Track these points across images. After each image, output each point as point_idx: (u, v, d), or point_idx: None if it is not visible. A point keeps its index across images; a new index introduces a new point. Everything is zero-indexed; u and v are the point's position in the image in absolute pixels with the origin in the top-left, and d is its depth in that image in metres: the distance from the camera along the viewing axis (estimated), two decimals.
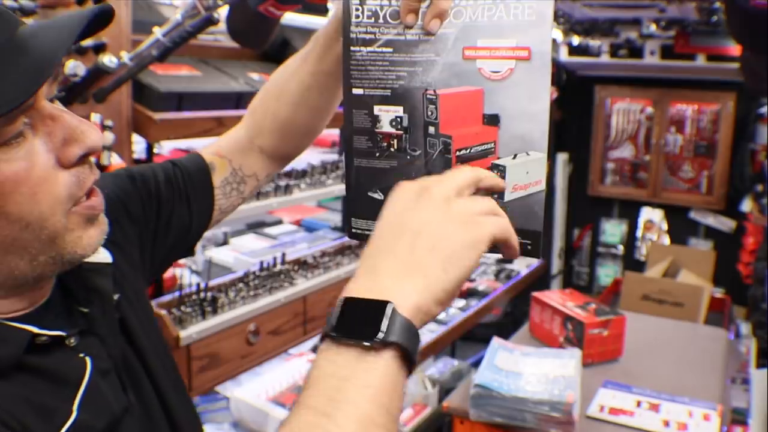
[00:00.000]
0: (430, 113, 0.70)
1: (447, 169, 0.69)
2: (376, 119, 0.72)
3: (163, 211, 0.87)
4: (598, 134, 4.81)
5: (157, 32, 1.38)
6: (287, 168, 2.01)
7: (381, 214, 0.61)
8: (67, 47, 0.56)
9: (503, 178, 0.68)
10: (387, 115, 0.71)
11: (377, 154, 0.73)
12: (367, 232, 0.74)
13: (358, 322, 0.51)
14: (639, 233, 4.87)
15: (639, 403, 1.79)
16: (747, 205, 4.30)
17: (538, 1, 0.64)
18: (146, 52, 1.40)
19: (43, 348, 0.61)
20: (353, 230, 0.78)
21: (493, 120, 0.68)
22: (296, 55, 0.88)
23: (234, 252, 2.29)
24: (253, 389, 2.21)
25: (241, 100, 1.85)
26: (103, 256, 0.72)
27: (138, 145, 1.77)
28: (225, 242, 2.36)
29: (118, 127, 1.51)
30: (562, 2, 3.22)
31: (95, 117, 1.44)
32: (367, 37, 0.70)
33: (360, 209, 0.77)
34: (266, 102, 0.93)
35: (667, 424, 1.69)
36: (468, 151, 0.70)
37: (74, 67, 1.31)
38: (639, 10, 3.47)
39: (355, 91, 0.72)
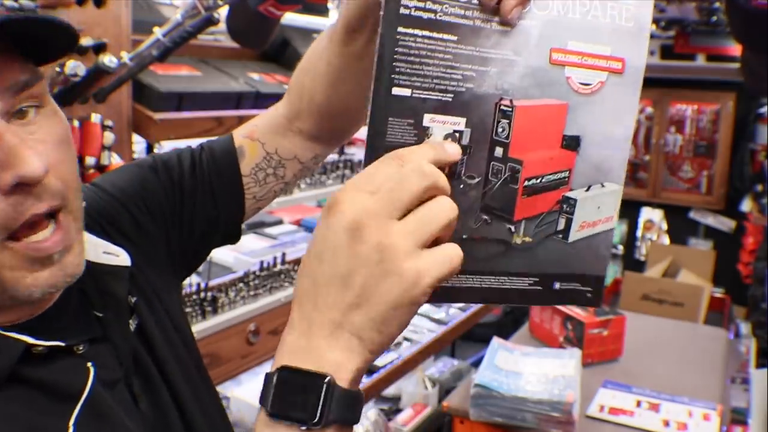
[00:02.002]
0: (501, 130, 0.54)
1: (509, 203, 0.56)
2: (424, 132, 0.52)
3: (187, 200, 0.80)
4: None
5: (157, 32, 1.38)
6: None
7: (317, 233, 0.49)
8: None
9: (571, 214, 0.57)
10: (442, 128, 0.53)
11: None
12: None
13: (294, 403, 0.47)
14: (639, 233, 4.88)
15: (639, 403, 1.79)
16: (747, 205, 4.30)
17: (637, 4, 0.53)
18: (146, 52, 1.40)
19: (43, 358, 0.58)
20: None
21: (573, 143, 0.56)
22: (325, 30, 0.74)
23: (234, 252, 2.29)
24: (253, 389, 2.21)
25: (241, 100, 1.85)
26: (122, 258, 0.69)
27: (138, 145, 1.77)
28: None
29: (118, 127, 1.51)
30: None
31: (95, 117, 1.44)
32: (425, 15, 0.50)
33: None
34: (300, 81, 0.79)
35: (666, 423, 1.69)
36: (539, 181, 0.56)
37: (74, 67, 1.31)
38: None
39: (398, 91, 0.51)
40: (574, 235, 0.58)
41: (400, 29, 0.50)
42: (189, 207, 0.80)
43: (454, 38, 0.51)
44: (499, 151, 0.55)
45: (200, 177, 0.81)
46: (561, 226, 0.57)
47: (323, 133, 0.82)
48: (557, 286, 0.59)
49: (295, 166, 0.85)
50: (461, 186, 0.54)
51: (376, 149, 0.51)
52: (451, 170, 0.53)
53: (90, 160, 1.42)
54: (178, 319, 0.78)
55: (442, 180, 0.48)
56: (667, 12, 3.37)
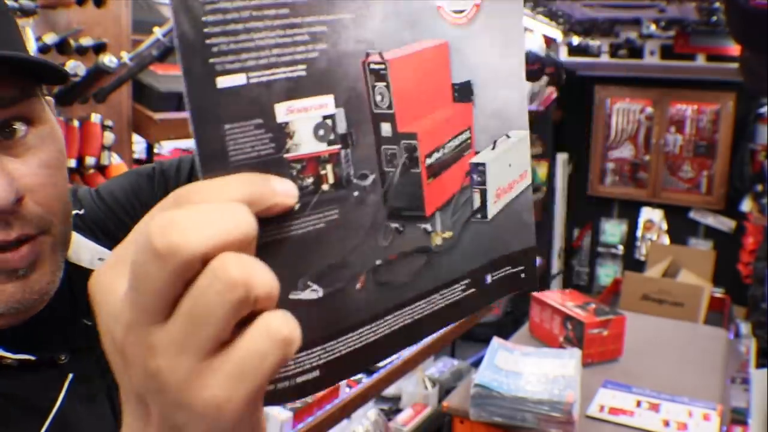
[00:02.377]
0: (379, 98, 0.39)
1: (416, 195, 0.41)
2: (282, 133, 0.35)
3: None
4: (598, 134, 4.81)
5: (157, 32, 1.38)
6: None
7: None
8: None
9: (484, 184, 0.44)
10: (305, 119, 0.36)
11: (296, 208, 0.35)
12: (291, 383, 0.37)
13: None
14: (639, 233, 4.88)
15: (639, 403, 1.79)
16: (747, 205, 4.31)
17: None
18: (146, 52, 1.40)
19: (19, 370, 0.56)
20: (267, 388, 0.38)
21: (465, 92, 0.43)
22: None
23: None
24: None
25: None
26: None
27: (138, 145, 1.77)
28: None
29: (118, 127, 1.51)
30: (562, 2, 3.22)
31: (95, 117, 1.44)
32: None
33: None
34: None
35: (666, 423, 1.69)
36: (441, 153, 0.43)
37: (74, 67, 1.31)
38: (639, 10, 3.47)
39: (227, 81, 0.33)
40: (493, 208, 0.45)
41: None
42: None
43: None
44: (386, 128, 0.40)
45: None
46: (477, 203, 0.44)
47: None
48: (489, 279, 0.46)
49: None
50: (355, 194, 0.38)
51: (213, 174, 0.33)
52: (336, 177, 0.37)
53: (90, 160, 1.42)
54: None
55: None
56: (667, 12, 3.37)
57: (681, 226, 4.72)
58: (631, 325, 2.15)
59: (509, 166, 0.46)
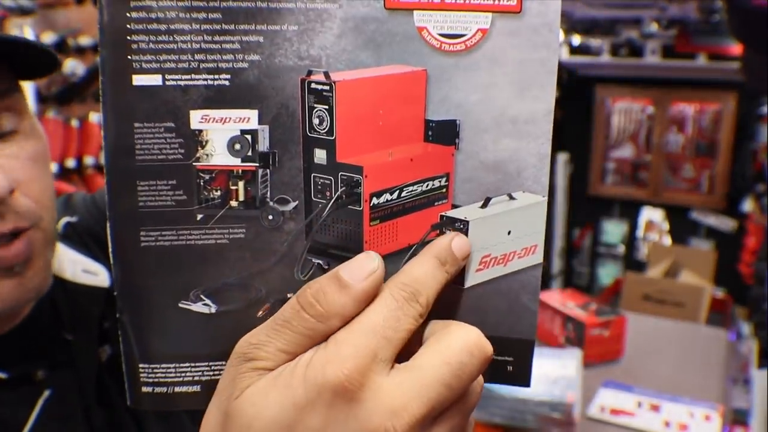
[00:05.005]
0: (317, 121, 0.36)
1: (354, 236, 0.37)
2: (194, 141, 0.35)
3: None
4: (599, 134, 4.80)
5: None
6: None
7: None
8: None
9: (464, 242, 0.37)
10: (221, 130, 0.35)
11: (198, 217, 0.35)
12: (169, 390, 0.37)
13: None
14: (640, 233, 4.87)
15: (640, 404, 1.79)
16: (748, 205, 4.30)
17: None
18: None
19: None
20: (143, 389, 0.37)
21: (445, 132, 0.37)
22: None
23: None
24: None
25: None
26: (101, 278, 0.65)
27: None
28: None
29: None
30: (563, 1, 3.22)
31: (94, 117, 1.44)
32: None
33: (155, 341, 0.37)
34: None
35: (667, 424, 1.69)
36: (394, 195, 0.37)
37: (73, 66, 1.31)
38: (640, 10, 3.47)
39: (142, 80, 0.34)
40: (473, 277, 0.38)
41: None
42: None
43: None
44: (321, 155, 0.36)
45: None
46: None
47: None
48: None
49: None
50: (270, 217, 0.36)
51: (122, 174, 0.34)
52: (246, 195, 0.36)
53: (89, 160, 1.42)
54: None
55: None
56: (668, 11, 3.36)
57: (682, 226, 4.71)
58: (632, 326, 2.14)
59: (507, 234, 0.38)
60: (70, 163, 1.89)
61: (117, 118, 0.34)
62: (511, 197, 0.37)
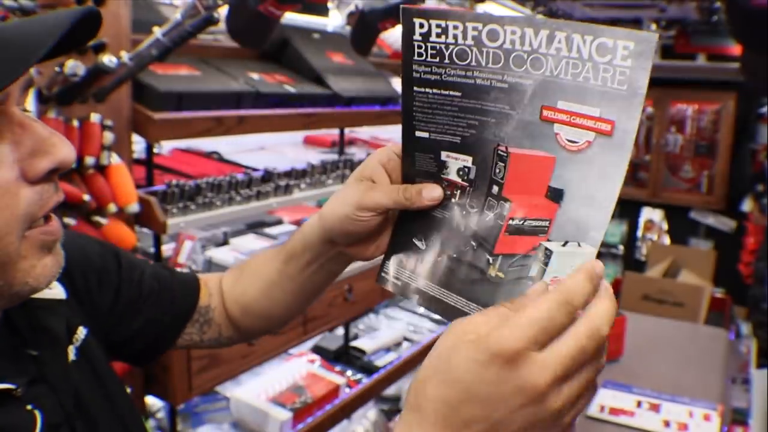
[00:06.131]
0: (497, 171, 0.62)
1: (493, 236, 0.62)
2: (442, 165, 0.66)
3: (139, 305, 0.82)
4: None
5: (157, 32, 1.38)
6: (287, 167, 2.01)
7: (452, 371, 0.48)
8: (50, 42, 0.48)
9: (546, 264, 0.59)
10: (455, 162, 0.65)
11: (438, 202, 0.67)
12: (395, 281, 0.70)
13: None
14: (639, 233, 4.87)
15: (639, 404, 1.79)
16: (747, 205, 4.30)
17: (632, 68, 0.53)
18: (146, 51, 1.40)
19: None
20: (383, 274, 0.71)
21: (556, 195, 0.59)
22: (280, 246, 0.86)
23: (234, 252, 2.29)
24: (253, 389, 2.20)
25: (240, 99, 1.85)
26: (57, 291, 0.66)
27: (138, 144, 1.77)
28: (225, 242, 2.36)
29: (118, 127, 1.51)
30: (562, 2, 3.22)
31: (95, 117, 1.44)
32: (432, 78, 0.63)
33: (398, 251, 0.71)
34: (245, 271, 0.89)
35: (667, 424, 1.69)
36: (521, 222, 0.61)
37: (74, 66, 1.31)
38: (639, 10, 3.47)
39: (419, 133, 0.66)
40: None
41: (415, 88, 0.65)
42: (136, 312, 0.82)
43: (459, 94, 0.62)
44: (495, 189, 0.63)
45: (154, 288, 0.84)
46: (534, 272, 0.60)
47: (237, 322, 0.89)
48: None
49: (214, 331, 0.89)
50: (463, 212, 0.66)
51: (409, 172, 0.69)
52: (460, 198, 0.65)
53: (89, 160, 1.42)
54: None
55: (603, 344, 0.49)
56: (668, 12, 3.37)
57: (681, 226, 4.72)
58: (632, 326, 2.15)
59: (570, 267, 0.57)
60: None
61: (408, 148, 0.68)
62: (579, 245, 0.58)
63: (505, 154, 0.61)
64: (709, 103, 4.48)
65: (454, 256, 0.65)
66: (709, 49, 4.09)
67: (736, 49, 3.57)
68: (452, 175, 0.66)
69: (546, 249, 0.59)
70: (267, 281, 0.84)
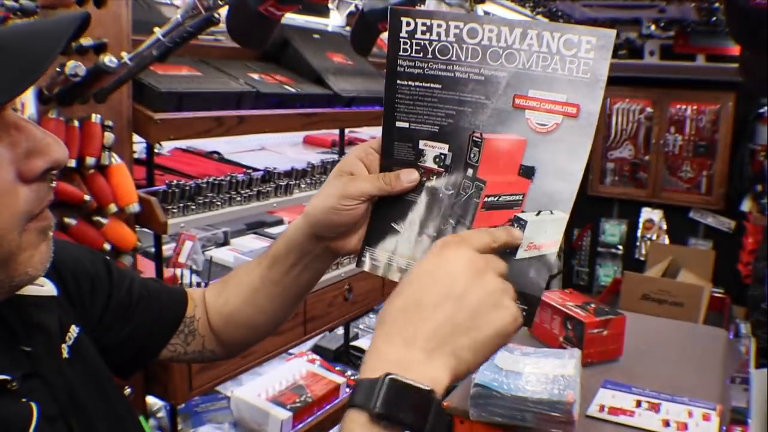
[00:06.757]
0: (472, 155, 0.69)
1: (469, 214, 0.69)
2: (420, 153, 0.72)
3: (129, 316, 0.83)
4: (598, 134, 4.80)
5: (158, 32, 1.38)
6: (287, 167, 2.01)
7: (426, 263, 0.60)
8: (56, 52, 0.51)
9: (522, 232, 0.67)
10: (432, 150, 0.71)
11: (415, 187, 0.73)
12: (375, 263, 0.75)
13: (403, 410, 0.52)
14: (639, 233, 4.88)
15: (639, 403, 1.79)
16: (746, 205, 4.30)
17: (595, 59, 0.62)
18: (146, 52, 1.40)
19: None
20: (363, 258, 0.76)
21: (528, 172, 0.67)
22: (262, 254, 0.88)
23: (234, 252, 2.29)
24: (253, 389, 2.21)
25: (241, 100, 1.85)
26: (47, 288, 0.67)
27: (138, 145, 1.77)
28: (225, 242, 2.36)
29: (118, 127, 1.51)
30: (562, 2, 3.23)
31: (95, 117, 1.44)
32: (415, 71, 0.69)
33: (377, 235, 0.75)
34: (228, 283, 0.90)
35: (666, 423, 1.69)
36: (496, 199, 0.68)
37: (75, 67, 1.31)
38: (639, 10, 3.47)
39: (400, 123, 0.72)
40: (521, 253, 0.68)
41: (398, 81, 0.70)
42: (126, 322, 0.82)
43: (439, 86, 0.69)
44: (470, 172, 0.70)
45: (142, 296, 0.85)
46: None
47: (221, 336, 0.90)
48: None
49: (198, 343, 0.90)
50: (440, 195, 0.72)
51: (388, 162, 0.74)
52: (436, 183, 0.72)
53: (90, 161, 1.42)
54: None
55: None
56: (667, 12, 3.37)
57: (681, 226, 4.72)
58: (631, 325, 2.15)
59: (544, 232, 0.67)
60: (71, 163, 1.89)
61: (388, 138, 0.73)
62: (551, 213, 0.67)
63: (480, 140, 0.68)
64: (709, 104, 4.48)
65: (434, 234, 0.71)
66: (708, 50, 4.09)
67: (735, 49, 3.57)
68: (429, 162, 0.72)
69: (520, 219, 0.68)
70: (250, 289, 0.86)
